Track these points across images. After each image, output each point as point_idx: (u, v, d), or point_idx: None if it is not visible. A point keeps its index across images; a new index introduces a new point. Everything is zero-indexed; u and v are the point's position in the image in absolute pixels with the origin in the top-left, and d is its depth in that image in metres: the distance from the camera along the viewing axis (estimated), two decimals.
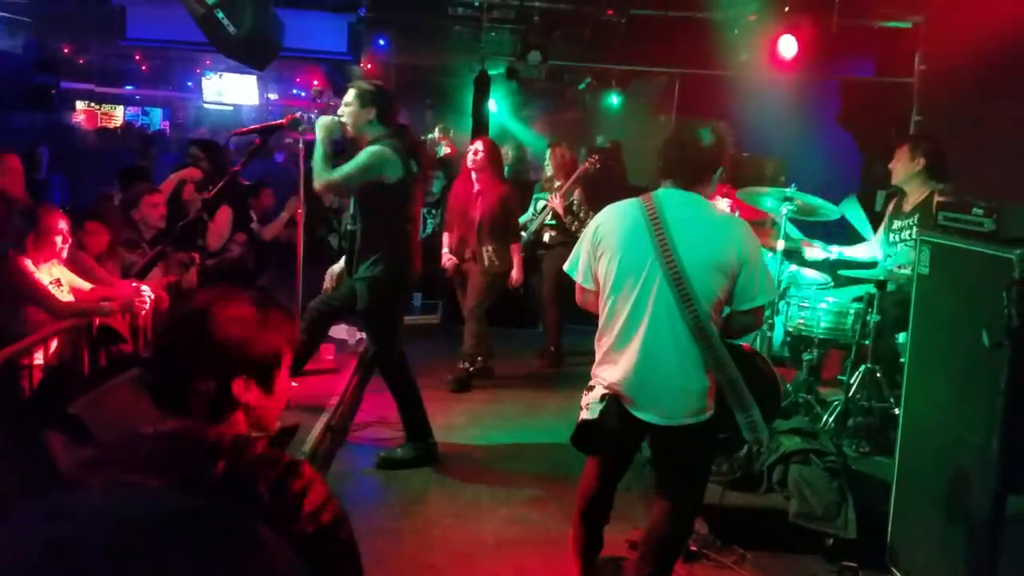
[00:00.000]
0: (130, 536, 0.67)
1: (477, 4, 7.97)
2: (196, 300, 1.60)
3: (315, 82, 15.50)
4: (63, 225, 4.23)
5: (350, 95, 4.28)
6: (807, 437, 4.02)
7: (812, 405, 4.66)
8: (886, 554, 3.49)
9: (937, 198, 3.64)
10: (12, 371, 3.73)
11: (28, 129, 11.34)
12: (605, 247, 2.90)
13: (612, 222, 2.94)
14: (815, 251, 4.86)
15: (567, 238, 6.08)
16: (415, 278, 4.57)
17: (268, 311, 1.61)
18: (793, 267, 5.12)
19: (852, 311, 4.57)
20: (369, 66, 9.76)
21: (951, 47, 6.20)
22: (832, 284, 5.06)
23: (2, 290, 4.10)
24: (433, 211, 7.65)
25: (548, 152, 6.55)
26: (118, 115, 18.10)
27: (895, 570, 3.43)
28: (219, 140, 7.87)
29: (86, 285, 4.42)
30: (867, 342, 4.39)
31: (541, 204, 6.44)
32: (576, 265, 3.02)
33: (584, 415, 2.89)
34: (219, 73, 14.78)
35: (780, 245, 4.66)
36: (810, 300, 4.73)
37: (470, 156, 5.93)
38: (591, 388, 2.95)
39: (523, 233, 6.29)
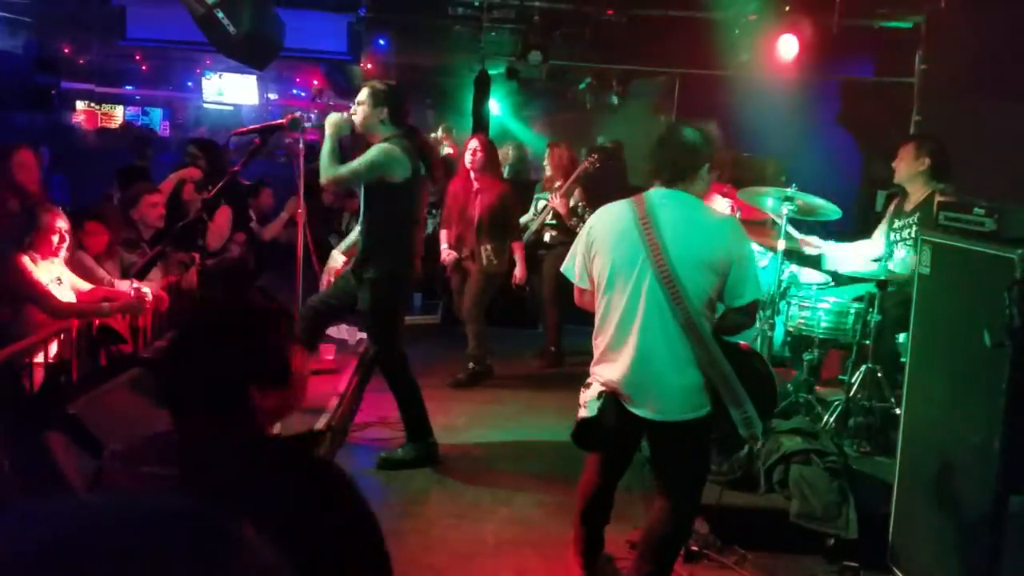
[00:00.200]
0: (126, 537, 0.67)
1: (477, 4, 7.96)
2: (204, 310, 1.60)
3: (315, 82, 15.50)
4: (61, 223, 4.23)
5: (363, 94, 4.30)
6: (808, 437, 4.02)
7: (813, 405, 4.66)
8: (887, 554, 3.48)
9: (938, 198, 3.64)
10: (12, 371, 3.73)
11: (28, 129, 11.32)
12: (598, 247, 2.96)
13: (604, 223, 3.00)
14: (814, 243, 4.84)
15: (568, 238, 6.07)
16: (416, 279, 4.57)
17: (274, 314, 1.61)
18: (793, 267, 5.12)
19: (853, 311, 4.57)
20: (369, 66, 9.75)
21: (951, 47, 6.20)
22: (832, 284, 5.06)
23: (2, 290, 4.10)
24: (433, 210, 7.65)
25: (547, 152, 6.57)
26: (118, 115, 18.08)
27: (896, 570, 3.42)
28: (219, 140, 7.86)
29: (87, 285, 4.42)
30: (868, 342, 4.39)
31: (542, 204, 6.45)
32: (572, 266, 3.08)
33: (582, 413, 2.94)
34: (219, 73, 14.77)
35: (781, 245, 4.66)
36: (811, 300, 4.72)
37: (467, 156, 5.94)
38: (588, 385, 3.00)
39: (523, 234, 6.30)
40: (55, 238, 4.20)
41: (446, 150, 9.56)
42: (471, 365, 6.01)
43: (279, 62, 7.04)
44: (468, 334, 6.02)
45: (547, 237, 6.43)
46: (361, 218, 4.41)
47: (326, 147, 4.20)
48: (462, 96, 10.36)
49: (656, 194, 2.94)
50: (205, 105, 15.96)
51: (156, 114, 19.07)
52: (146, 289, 4.45)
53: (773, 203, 4.73)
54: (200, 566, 0.67)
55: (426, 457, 4.56)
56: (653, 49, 8.28)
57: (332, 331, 5.82)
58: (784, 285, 4.81)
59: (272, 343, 1.59)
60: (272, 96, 18.64)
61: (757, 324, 4.88)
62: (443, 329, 7.27)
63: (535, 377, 6.35)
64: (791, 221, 4.72)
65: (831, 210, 4.68)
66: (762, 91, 7.36)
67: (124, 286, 4.55)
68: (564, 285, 3.25)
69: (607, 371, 2.94)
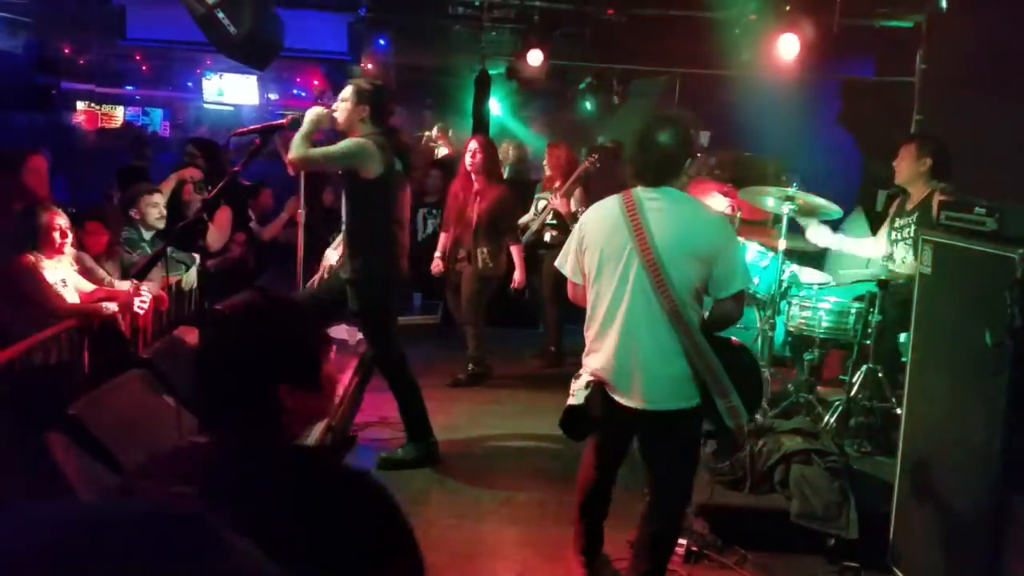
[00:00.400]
0: (125, 537, 0.67)
1: (477, 4, 7.95)
2: (229, 310, 1.57)
3: (315, 82, 15.49)
4: (61, 222, 4.23)
5: (347, 91, 4.31)
6: (808, 437, 4.02)
7: (813, 405, 4.66)
8: (888, 554, 3.48)
9: (938, 197, 3.64)
10: (13, 371, 3.73)
11: (28, 129, 11.34)
12: (589, 241, 3.02)
13: (595, 217, 3.07)
14: (820, 233, 4.84)
15: (568, 237, 6.08)
16: (403, 279, 4.56)
17: (301, 311, 1.60)
18: (794, 267, 5.12)
19: (853, 311, 4.56)
20: (369, 66, 9.75)
21: (952, 47, 6.19)
22: (833, 283, 5.06)
23: (8, 289, 4.10)
24: (433, 211, 7.64)
25: (546, 152, 6.58)
26: (118, 115, 18.05)
27: (897, 570, 3.42)
28: (219, 140, 7.86)
29: (89, 286, 4.42)
30: (868, 342, 4.38)
31: (542, 204, 6.45)
32: (566, 261, 3.15)
33: (570, 401, 2.98)
34: (219, 73, 14.77)
35: (782, 245, 4.66)
36: (811, 300, 4.72)
37: (467, 157, 5.94)
38: (579, 376, 3.05)
39: (524, 234, 6.30)
40: (56, 235, 4.20)
41: (442, 150, 9.55)
42: (471, 367, 6.03)
43: (279, 62, 7.03)
44: (467, 337, 6.03)
45: (547, 237, 6.43)
46: (344, 220, 4.41)
47: (301, 130, 4.13)
48: (462, 96, 10.35)
49: (643, 190, 2.98)
50: (205, 105, 15.95)
51: (156, 114, 19.06)
52: (145, 288, 4.45)
53: (775, 202, 4.73)
54: (193, 567, 0.67)
55: (426, 457, 4.56)
56: (653, 49, 8.27)
57: (332, 331, 5.82)
58: (785, 285, 4.81)
59: (302, 338, 1.56)
60: (272, 96, 18.61)
61: (757, 324, 4.89)
62: (443, 329, 7.26)
63: (535, 377, 6.34)
64: (791, 222, 4.72)
65: (832, 209, 4.69)
66: (763, 91, 7.36)
67: (124, 286, 4.55)
68: (564, 285, 3.27)
69: (594, 360, 2.99)
